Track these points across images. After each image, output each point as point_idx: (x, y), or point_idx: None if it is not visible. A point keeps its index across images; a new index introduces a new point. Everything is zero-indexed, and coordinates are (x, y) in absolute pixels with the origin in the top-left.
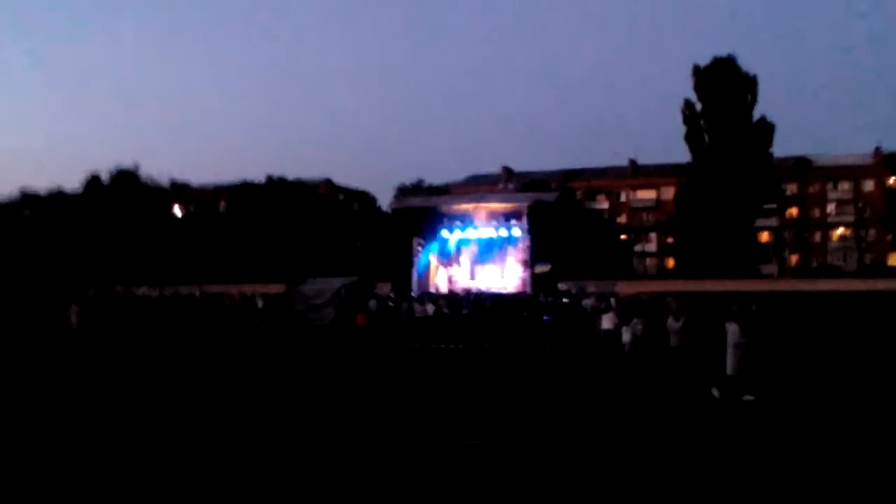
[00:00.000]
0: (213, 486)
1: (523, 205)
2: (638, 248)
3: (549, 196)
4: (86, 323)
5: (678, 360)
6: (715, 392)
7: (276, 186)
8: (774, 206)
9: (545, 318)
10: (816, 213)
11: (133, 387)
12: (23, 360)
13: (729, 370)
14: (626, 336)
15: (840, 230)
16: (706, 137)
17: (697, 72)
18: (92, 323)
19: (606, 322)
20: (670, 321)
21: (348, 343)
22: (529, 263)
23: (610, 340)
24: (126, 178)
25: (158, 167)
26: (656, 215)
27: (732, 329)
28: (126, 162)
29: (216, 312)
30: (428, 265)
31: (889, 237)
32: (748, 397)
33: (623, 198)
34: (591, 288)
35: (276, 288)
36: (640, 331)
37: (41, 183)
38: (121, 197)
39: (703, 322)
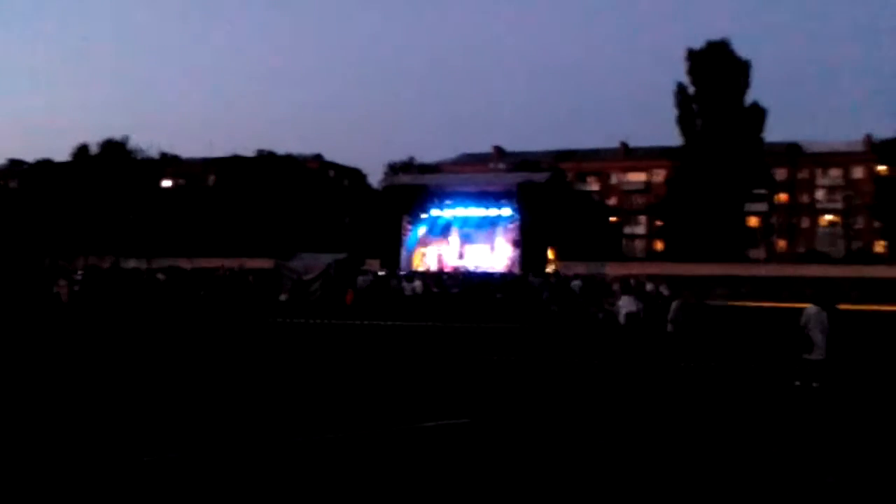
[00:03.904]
0: (205, 471)
1: (514, 184)
2: (627, 230)
3: (540, 176)
4: (75, 297)
5: (674, 342)
6: (814, 384)
7: (266, 161)
8: (764, 191)
9: (545, 294)
10: (806, 198)
11: (124, 365)
12: (13, 336)
13: (817, 356)
14: (621, 318)
15: (829, 217)
16: (698, 121)
17: (691, 55)
18: (82, 297)
19: (629, 305)
20: (674, 304)
21: (336, 320)
22: (519, 243)
23: (633, 324)
24: (115, 150)
25: (148, 139)
26: (646, 198)
27: (823, 316)
28: (115, 133)
29: (207, 287)
30: (417, 243)
31: (877, 224)
32: (797, 383)
33: (614, 180)
34: (579, 269)
35: (263, 262)
36: (640, 311)
37: (29, 153)
38: (109, 168)
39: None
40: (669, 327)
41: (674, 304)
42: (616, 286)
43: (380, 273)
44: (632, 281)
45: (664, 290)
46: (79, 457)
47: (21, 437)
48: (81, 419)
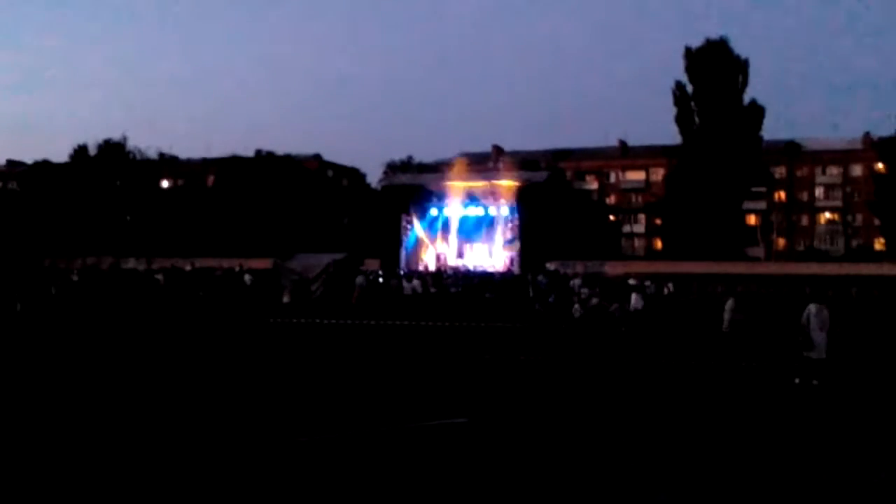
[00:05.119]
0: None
1: (513, 184)
2: (626, 228)
3: (539, 176)
4: (74, 298)
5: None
6: (814, 382)
7: (265, 161)
8: (763, 189)
9: (550, 299)
10: (804, 196)
11: (125, 366)
12: (12, 337)
13: (818, 355)
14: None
15: (827, 214)
16: (696, 119)
17: (689, 54)
18: (79, 298)
19: (636, 303)
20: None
21: (337, 320)
22: (518, 242)
23: (639, 320)
24: (113, 150)
25: (146, 139)
26: (645, 196)
27: (824, 314)
28: (113, 134)
29: (207, 287)
30: (416, 243)
31: (876, 222)
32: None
33: (612, 178)
34: (578, 268)
35: (262, 263)
36: (641, 306)
37: (28, 155)
38: (108, 169)
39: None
40: (725, 326)
41: (728, 304)
42: (623, 284)
43: (379, 272)
44: (632, 280)
45: (667, 289)
46: (81, 458)
47: (19, 440)
48: (82, 421)
